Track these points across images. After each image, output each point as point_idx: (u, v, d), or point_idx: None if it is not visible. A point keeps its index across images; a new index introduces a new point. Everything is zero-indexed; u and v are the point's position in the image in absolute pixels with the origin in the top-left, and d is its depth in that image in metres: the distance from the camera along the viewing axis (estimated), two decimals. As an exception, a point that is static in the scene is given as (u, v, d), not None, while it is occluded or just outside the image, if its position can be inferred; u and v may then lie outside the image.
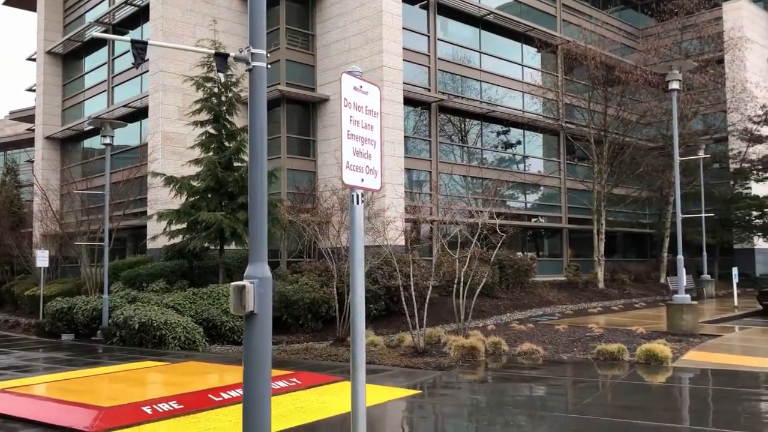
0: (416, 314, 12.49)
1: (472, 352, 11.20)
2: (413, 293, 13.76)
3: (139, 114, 27.41)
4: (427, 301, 12.75)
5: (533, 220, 31.31)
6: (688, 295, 14.11)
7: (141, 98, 26.62)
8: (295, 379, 9.12)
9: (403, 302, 13.47)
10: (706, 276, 25.11)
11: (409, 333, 12.79)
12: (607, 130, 26.13)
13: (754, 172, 29.48)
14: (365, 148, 3.51)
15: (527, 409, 7.81)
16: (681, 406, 7.91)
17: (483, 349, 11.39)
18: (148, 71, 25.83)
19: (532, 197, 31.32)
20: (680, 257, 14.51)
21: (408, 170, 25.25)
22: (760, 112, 28.71)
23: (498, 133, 29.86)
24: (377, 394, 8.30)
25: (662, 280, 28.06)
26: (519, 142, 30.59)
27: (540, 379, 9.72)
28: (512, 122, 29.06)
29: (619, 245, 33.81)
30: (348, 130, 3.39)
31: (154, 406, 7.55)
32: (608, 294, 24.33)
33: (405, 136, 24.67)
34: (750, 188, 29.97)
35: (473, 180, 28.39)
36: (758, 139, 28.81)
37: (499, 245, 16.14)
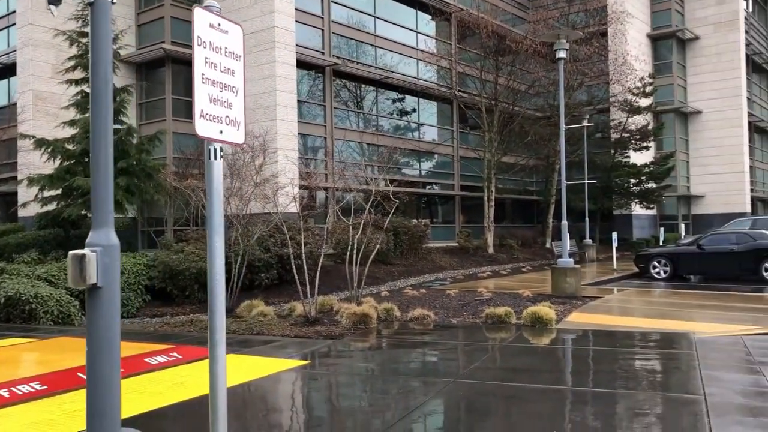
0: (308, 282, 12.14)
1: (364, 319, 11.04)
2: (305, 261, 13.42)
3: (6, 71, 25.12)
4: (318, 268, 12.43)
5: (427, 187, 31.64)
6: (571, 259, 14.63)
7: (8, 53, 24.37)
8: (175, 354, 8.59)
9: (294, 271, 13.12)
10: (588, 241, 26.38)
11: (301, 302, 12.45)
12: (498, 99, 26.63)
13: (633, 141, 31.11)
14: (224, 95, 3.09)
15: (418, 375, 7.73)
16: (564, 367, 8.09)
17: (375, 316, 11.26)
18: (15, 24, 23.63)
19: (426, 165, 31.60)
20: (564, 222, 15.00)
21: (302, 135, 24.68)
22: (639, 84, 30.20)
23: (393, 101, 29.76)
24: (264, 366, 7.96)
25: (548, 245, 29.25)
26: (414, 110, 30.66)
27: (431, 344, 9.70)
28: (407, 89, 29.02)
29: (509, 212, 34.90)
30: (203, 74, 2.96)
31: (13, 388, 6.84)
32: (497, 259, 25.06)
33: (299, 101, 24.04)
34: (629, 157, 31.63)
35: (368, 147, 28.22)
36: (637, 110, 30.38)
37: (392, 212, 16.01)
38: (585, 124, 25.88)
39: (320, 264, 12.45)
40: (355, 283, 13.38)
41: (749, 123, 40.18)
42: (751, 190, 40.22)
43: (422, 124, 30.88)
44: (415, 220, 24.02)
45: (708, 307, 12.70)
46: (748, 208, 37.64)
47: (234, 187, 17.01)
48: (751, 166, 40.61)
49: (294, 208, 22.50)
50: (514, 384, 6.92)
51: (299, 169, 23.53)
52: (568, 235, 18.90)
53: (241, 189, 16.91)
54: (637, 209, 33.41)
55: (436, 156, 31.72)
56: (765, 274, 17.58)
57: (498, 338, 9.97)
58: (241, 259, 13.84)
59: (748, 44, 40.86)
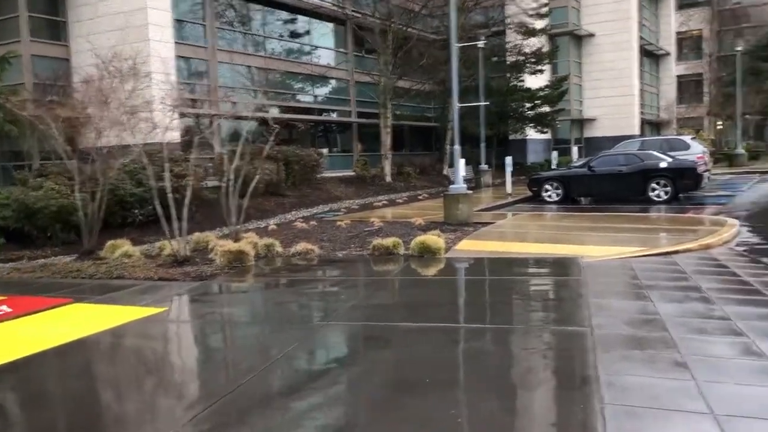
0: (179, 218, 10.96)
1: (240, 257, 10.08)
2: (172, 196, 12.14)
3: None
4: (187, 201, 11.19)
5: (324, 114, 30.37)
6: (463, 185, 14.12)
7: None
8: (5, 307, 7.36)
9: (173, 207, 11.88)
10: (484, 166, 26.18)
11: (175, 240, 11.27)
12: (392, 20, 25.41)
13: (528, 65, 30.89)
14: None
15: (286, 319, 6.92)
16: (447, 301, 7.49)
17: (253, 253, 10.32)
18: None
19: (321, 91, 30.22)
20: (457, 147, 14.39)
21: (182, 59, 22.69)
22: (534, 5, 29.72)
23: (284, 21, 27.92)
24: (113, 315, 6.91)
25: (445, 172, 28.93)
26: (306, 32, 28.98)
27: (309, 282, 8.90)
28: (297, 9, 27.22)
29: (408, 139, 34.30)
30: None
31: None
32: (395, 187, 24.49)
33: (176, 20, 21.93)
34: (524, 81, 31.46)
35: (258, 71, 26.49)
36: (532, 33, 30.01)
37: (270, 140, 14.82)
38: (480, 44, 25.18)
39: (189, 196, 11.23)
40: (234, 217, 12.28)
41: (639, 47, 40.98)
42: (641, 113, 41.47)
43: (316, 47, 29.29)
44: (309, 150, 22.82)
45: (597, 230, 12.57)
46: (637, 131, 38.82)
47: (99, 115, 15.21)
48: (640, 90, 41.73)
49: (173, 137, 20.85)
50: (391, 324, 6.25)
51: (179, 95, 21.69)
52: (462, 160, 18.46)
53: (104, 118, 15.14)
54: (532, 134, 33.63)
55: (331, 81, 30.33)
56: (651, 194, 17.87)
57: (383, 271, 9.30)
58: (100, 194, 12.36)
59: (639, -33, 41.23)
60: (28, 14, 20.94)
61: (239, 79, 25.64)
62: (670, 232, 12.08)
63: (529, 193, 20.45)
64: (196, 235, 12.31)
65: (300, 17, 27.98)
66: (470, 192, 14.20)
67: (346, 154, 30.32)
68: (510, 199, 20.28)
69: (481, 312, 6.85)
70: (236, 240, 11.90)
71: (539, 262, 9.41)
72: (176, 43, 21.48)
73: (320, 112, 29.92)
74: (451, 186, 14.19)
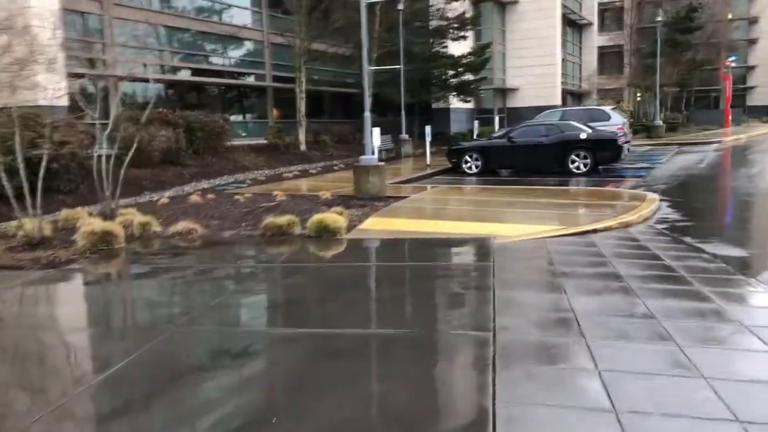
0: (30, 192, 9.40)
1: (107, 238, 8.66)
2: (52, 166, 10.51)
3: None
4: (42, 171, 9.62)
5: (237, 78, 28.49)
6: (374, 156, 13.02)
7: None
8: None
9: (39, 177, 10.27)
10: (404, 136, 25.15)
11: (35, 219, 9.70)
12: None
13: (451, 30, 29.84)
14: None
15: (125, 324, 5.67)
16: (331, 297, 6.36)
17: (122, 234, 8.90)
18: None
19: (234, 53, 28.29)
20: (367, 114, 13.21)
21: (72, 12, 20.43)
22: (458, -32, 28.61)
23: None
24: None
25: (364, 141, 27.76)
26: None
27: (176, 270, 7.60)
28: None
29: (327, 106, 32.83)
30: None
31: None
32: (310, 157, 23.16)
33: (61, -32, 19.62)
34: (447, 47, 30.45)
35: (163, 30, 24.41)
36: (452, -3, 28.90)
37: (151, 103, 13.27)
38: (399, 6, 23.93)
39: (44, 165, 9.65)
40: (108, 191, 10.75)
41: (562, 15, 40.65)
42: (563, 83, 41.33)
43: (228, 6, 27.29)
44: (215, 115, 21.08)
45: (514, 205, 11.74)
46: (559, 101, 38.62)
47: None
48: (562, 59, 41.54)
49: (58, 101, 18.78)
50: (254, 330, 5.12)
51: (68, 53, 19.55)
52: (376, 129, 17.34)
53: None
54: (455, 102, 32.77)
55: (245, 43, 28.42)
56: (571, 166, 17.30)
57: (268, 257, 8.10)
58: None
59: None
60: None
61: (140, 37, 23.50)
62: (589, 208, 11.38)
63: (449, 165, 19.59)
64: (65, 212, 10.73)
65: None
66: (382, 164, 13.10)
67: (260, 120, 28.65)
68: (429, 171, 19.35)
69: (365, 312, 5.76)
70: (111, 218, 10.43)
71: (448, 243, 8.43)
72: (62, -6, 19.23)
73: (232, 75, 28.03)
74: (361, 157, 13.06)
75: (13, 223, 10.18)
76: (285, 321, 5.49)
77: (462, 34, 30.10)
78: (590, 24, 48.85)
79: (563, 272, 6.58)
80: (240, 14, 28.07)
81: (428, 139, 21.00)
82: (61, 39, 18.80)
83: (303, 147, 23.83)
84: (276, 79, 28.92)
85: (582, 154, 17.26)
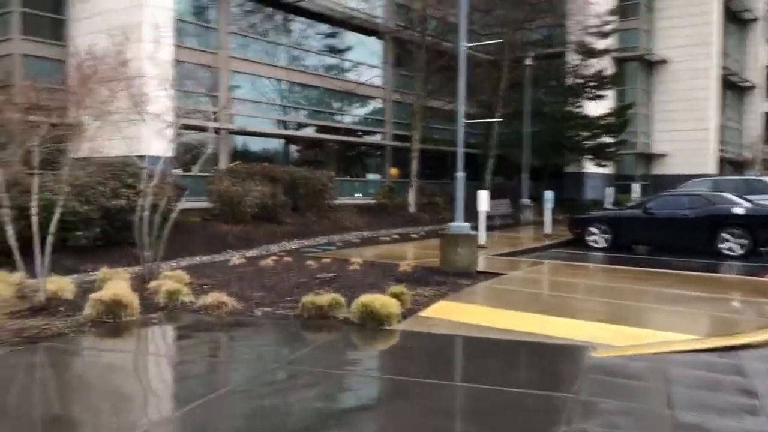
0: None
1: (115, 309, 7.26)
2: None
3: None
4: (54, 220, 8.50)
5: (355, 135, 27.68)
6: (466, 224, 10.93)
7: None
8: None
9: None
10: (526, 201, 22.74)
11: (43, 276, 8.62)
12: (426, 33, 22.51)
13: (588, 89, 27.32)
14: None
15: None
16: (339, 422, 4.37)
17: (135, 304, 7.46)
18: None
19: (353, 110, 27.64)
20: (460, 174, 11.21)
21: (184, 63, 20.49)
22: (597, 22, 26.24)
23: (325, 36, 25.52)
24: None
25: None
26: (339, 42, 26.50)
27: (171, 360, 5.94)
28: (328, 18, 24.73)
29: (445, 166, 31.25)
30: None
31: None
32: (418, 219, 21.38)
33: (180, 20, 19.79)
34: (582, 107, 27.88)
35: (278, 84, 24.14)
36: (592, 53, 26.49)
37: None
38: (528, 62, 22.00)
39: (57, 216, 8.54)
40: (146, 251, 9.51)
41: (722, 76, 36.60)
42: (719, 150, 36.94)
43: (349, 61, 26.76)
44: (319, 172, 19.98)
45: (638, 295, 9.11)
46: (713, 169, 34.38)
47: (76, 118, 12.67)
48: (720, 124, 37.24)
49: (161, 150, 18.46)
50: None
51: (176, 102, 19.45)
52: (480, 193, 15.40)
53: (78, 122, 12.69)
54: (590, 167, 29.81)
55: (365, 100, 27.71)
56: (721, 246, 14.16)
57: (289, 351, 6.25)
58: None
59: (723, -10, 37.02)
60: (22, 9, 19.20)
61: (255, 90, 23.29)
62: (740, 308, 8.55)
63: (572, 236, 17.00)
64: (103, 272, 9.59)
65: (328, 26, 25.52)
66: (474, 233, 10.97)
67: (374, 179, 27.45)
68: (546, 242, 16.85)
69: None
70: (148, 281, 9.17)
71: (519, 350, 6.16)
72: (178, 46, 19.27)
73: (351, 132, 27.23)
74: (450, 224, 11.03)
75: (35, 282, 9.06)
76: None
77: (599, 93, 27.45)
78: (753, 87, 43.86)
79: (685, 425, 4.16)
80: (361, 71, 27.46)
81: (547, 205, 18.55)
82: (171, 89, 18.67)
83: (412, 208, 22.15)
84: (396, 137, 27.82)
85: (737, 232, 14.09)
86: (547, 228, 18.27)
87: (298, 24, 24.61)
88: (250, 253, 14.12)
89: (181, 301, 8.07)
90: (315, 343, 6.43)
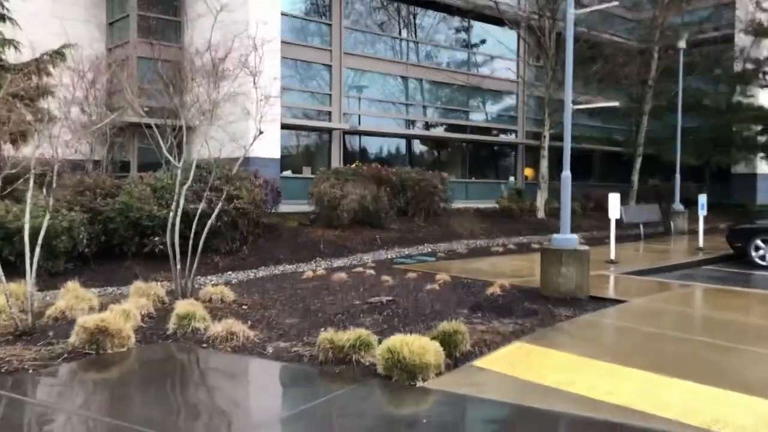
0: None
1: (98, 338, 5.94)
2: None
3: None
4: (43, 228, 7.34)
5: (484, 134, 25.51)
6: (573, 237, 8.56)
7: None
8: None
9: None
10: (678, 206, 19.27)
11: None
12: (560, 18, 19.83)
13: (760, 75, 23.06)
14: None
15: None
16: None
17: (127, 332, 6.12)
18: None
19: (481, 107, 25.48)
20: (566, 174, 8.81)
21: (293, 60, 19.58)
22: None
23: (449, 28, 23.75)
24: None
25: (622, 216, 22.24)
26: (467, 34, 24.50)
27: (122, 414, 4.43)
28: (454, 8, 22.80)
29: (592, 167, 28.01)
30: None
31: None
32: (546, 225, 18.73)
33: (287, 14, 18.88)
34: (753, 96, 23.61)
35: (396, 79, 22.64)
36: (766, 33, 22.28)
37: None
38: (680, 44, 18.63)
39: (45, 226, 7.38)
40: (179, 265, 8.18)
41: None
42: None
43: (476, 53, 24.65)
44: (430, 173, 18.04)
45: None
46: None
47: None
48: None
49: (267, 152, 17.65)
50: None
51: (285, 102, 18.54)
52: (610, 195, 12.83)
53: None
54: (764, 167, 25.23)
55: (497, 95, 25.44)
56: None
57: (245, 425, 4.52)
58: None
59: None
60: (139, 12, 19.22)
61: (372, 88, 21.91)
62: None
63: (731, 251, 13.78)
64: (136, 285, 8.36)
65: (454, 17, 23.58)
66: (583, 247, 8.57)
67: (499, 181, 25.02)
68: (698, 257, 13.75)
69: None
70: (182, 297, 7.88)
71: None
72: (286, 43, 18.34)
73: (477, 130, 25.03)
74: (553, 236, 8.72)
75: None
76: None
77: (776, 79, 23.10)
78: None
79: None
80: (491, 64, 25.24)
81: (701, 212, 15.31)
82: (278, 90, 17.67)
83: (540, 214, 19.59)
84: (529, 135, 25.30)
85: None
86: (701, 239, 15.03)
87: (420, 17, 22.96)
88: (337, 263, 12.63)
89: (193, 328, 6.63)
90: (305, 404, 4.62)
